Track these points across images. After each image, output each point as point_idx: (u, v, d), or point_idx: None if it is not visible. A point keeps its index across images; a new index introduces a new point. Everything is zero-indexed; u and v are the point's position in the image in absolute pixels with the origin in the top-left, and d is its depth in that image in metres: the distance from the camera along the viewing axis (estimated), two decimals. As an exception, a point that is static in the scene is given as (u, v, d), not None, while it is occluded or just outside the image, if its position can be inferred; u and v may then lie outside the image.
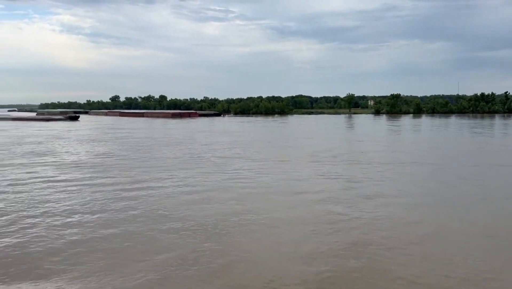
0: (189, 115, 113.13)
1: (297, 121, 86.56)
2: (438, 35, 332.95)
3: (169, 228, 12.40)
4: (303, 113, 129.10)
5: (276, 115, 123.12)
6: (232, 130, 60.98)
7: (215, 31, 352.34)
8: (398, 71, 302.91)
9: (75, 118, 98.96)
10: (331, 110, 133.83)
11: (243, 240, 11.38)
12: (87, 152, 32.89)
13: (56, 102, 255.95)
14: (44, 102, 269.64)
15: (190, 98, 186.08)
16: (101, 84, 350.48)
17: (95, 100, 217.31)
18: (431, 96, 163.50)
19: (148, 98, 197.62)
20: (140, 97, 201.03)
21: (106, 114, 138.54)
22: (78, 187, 18.50)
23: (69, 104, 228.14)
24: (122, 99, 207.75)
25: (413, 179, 20.67)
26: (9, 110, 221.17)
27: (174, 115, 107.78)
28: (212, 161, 26.77)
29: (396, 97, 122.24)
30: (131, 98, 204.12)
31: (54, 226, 12.70)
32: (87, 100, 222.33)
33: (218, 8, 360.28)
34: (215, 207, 14.92)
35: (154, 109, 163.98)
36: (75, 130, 61.04)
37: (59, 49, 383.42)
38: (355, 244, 10.95)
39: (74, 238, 11.53)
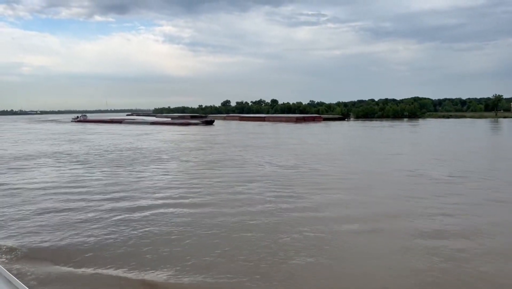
0: (313, 119, 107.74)
1: (446, 126, 75.22)
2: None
3: None
4: (439, 116, 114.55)
5: (405, 119, 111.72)
6: (385, 137, 53.52)
7: (306, 35, 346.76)
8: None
9: (210, 123, 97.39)
10: (475, 114, 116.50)
11: None
12: (268, 162, 28.44)
13: (166, 107, 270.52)
14: (158, 108, 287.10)
15: (297, 102, 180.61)
16: (199, 89, 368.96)
17: (208, 105, 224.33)
18: None
19: (259, 102, 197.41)
20: (251, 101, 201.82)
21: (224, 118, 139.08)
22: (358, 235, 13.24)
23: (183, 109, 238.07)
24: (233, 104, 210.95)
25: None
26: (127, 114, 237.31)
27: (298, 120, 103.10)
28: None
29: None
30: (242, 102, 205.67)
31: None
32: (199, 105, 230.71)
33: (310, 12, 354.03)
34: None
35: (267, 113, 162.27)
36: (220, 135, 59.05)
37: (162, 58, 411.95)
38: None
39: None
